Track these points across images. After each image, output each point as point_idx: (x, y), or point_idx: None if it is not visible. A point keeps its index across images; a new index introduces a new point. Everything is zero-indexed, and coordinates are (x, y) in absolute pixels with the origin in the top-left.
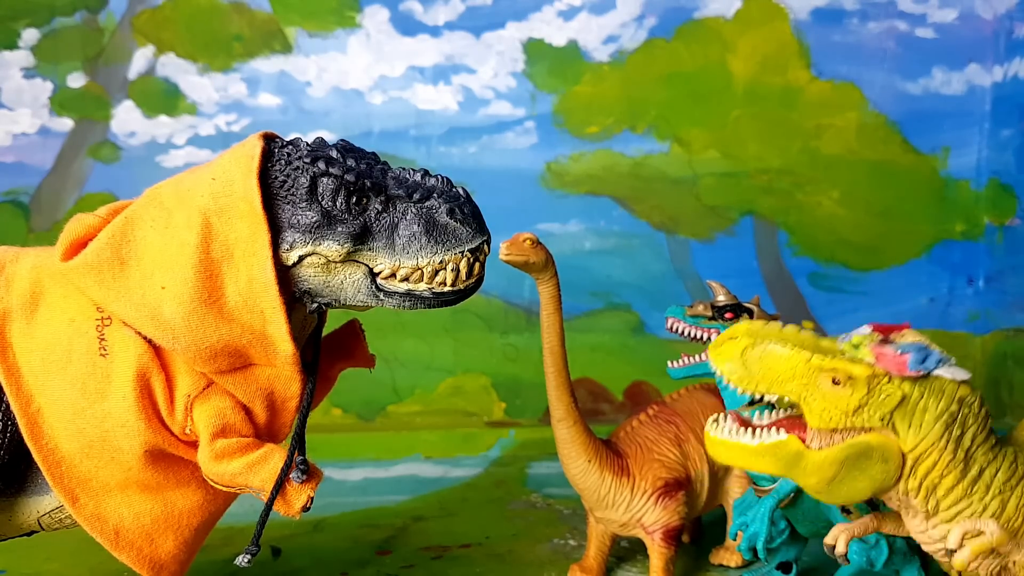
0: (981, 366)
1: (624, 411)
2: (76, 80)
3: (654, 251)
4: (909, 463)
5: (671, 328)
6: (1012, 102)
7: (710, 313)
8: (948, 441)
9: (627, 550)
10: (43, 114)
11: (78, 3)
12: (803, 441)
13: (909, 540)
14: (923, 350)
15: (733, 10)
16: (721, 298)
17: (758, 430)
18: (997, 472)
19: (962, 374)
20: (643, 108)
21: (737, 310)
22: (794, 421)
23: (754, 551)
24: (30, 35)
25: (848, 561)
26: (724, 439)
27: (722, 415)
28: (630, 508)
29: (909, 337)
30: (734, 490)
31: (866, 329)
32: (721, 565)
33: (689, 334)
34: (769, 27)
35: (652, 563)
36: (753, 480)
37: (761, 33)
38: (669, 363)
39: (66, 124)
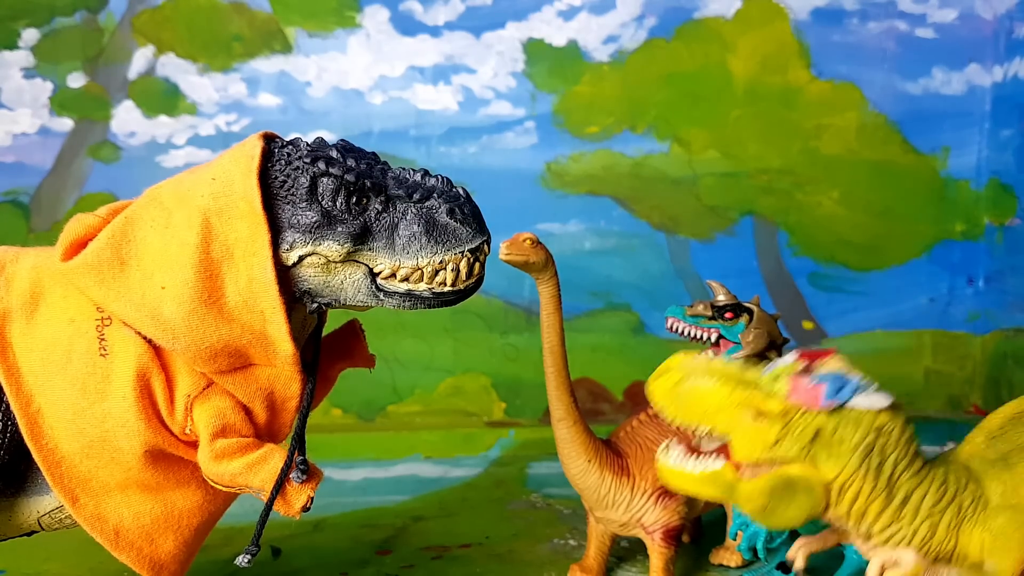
0: (981, 366)
1: (624, 411)
2: (76, 80)
3: (654, 251)
4: (834, 492)
5: (671, 328)
6: (1012, 102)
7: (710, 313)
8: (867, 470)
9: (627, 550)
10: (43, 114)
11: (78, 3)
12: (737, 469)
13: None
14: (839, 379)
15: (733, 10)
16: (721, 298)
17: (701, 457)
18: (924, 496)
19: (881, 401)
20: (643, 108)
21: (737, 310)
22: None
23: (754, 551)
24: (30, 35)
25: (807, 575)
26: (671, 467)
27: (673, 441)
28: (630, 508)
29: (830, 365)
30: None
31: (791, 357)
32: (721, 565)
33: (689, 334)
34: (769, 27)
35: (652, 563)
36: None
37: (761, 33)
38: None
39: (66, 124)
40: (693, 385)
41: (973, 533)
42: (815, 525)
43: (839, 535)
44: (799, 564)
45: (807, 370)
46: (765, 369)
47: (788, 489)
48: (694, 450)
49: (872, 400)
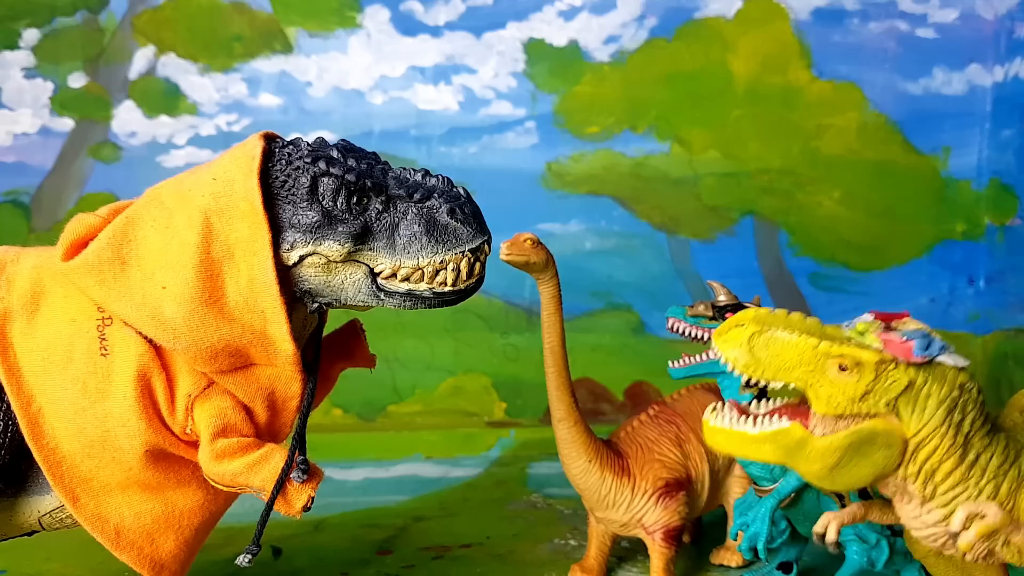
0: (982, 366)
1: (625, 411)
2: (77, 80)
3: (655, 251)
4: (911, 448)
5: (672, 328)
6: (1013, 102)
7: (711, 313)
8: (949, 426)
9: (628, 550)
10: (44, 114)
11: (79, 3)
12: (806, 427)
13: None
14: (926, 337)
15: (734, 10)
16: (722, 298)
17: (759, 418)
18: (992, 457)
19: (963, 361)
20: (644, 108)
21: (738, 310)
22: (795, 409)
23: (755, 551)
24: (31, 35)
25: (839, 548)
26: (724, 427)
27: (720, 404)
28: (631, 508)
29: (911, 324)
30: (735, 490)
31: (868, 317)
32: (722, 565)
33: (690, 334)
34: (770, 27)
35: (653, 563)
36: (754, 480)
37: (762, 33)
38: (670, 363)
39: (67, 124)
40: (772, 337)
41: None
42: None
43: (867, 509)
44: (831, 536)
45: (889, 328)
46: (845, 325)
47: (867, 444)
48: (744, 411)
49: (956, 359)
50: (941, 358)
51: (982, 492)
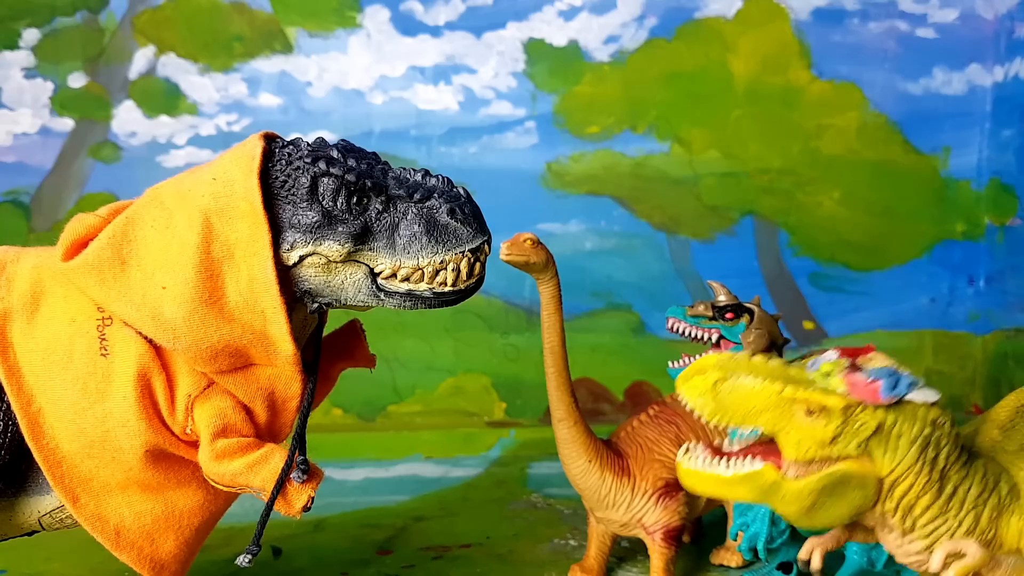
0: (982, 366)
1: (625, 411)
2: (77, 80)
3: (655, 251)
4: (886, 487)
5: (672, 328)
6: (1013, 102)
7: (711, 313)
8: (923, 464)
9: (628, 550)
10: (44, 114)
11: (79, 3)
12: (779, 468)
13: None
14: (893, 375)
15: (734, 10)
16: (722, 298)
17: (733, 459)
18: (970, 488)
19: (932, 395)
20: (644, 108)
21: (738, 310)
22: (768, 449)
23: (755, 551)
24: (31, 35)
25: (822, 575)
26: (697, 470)
27: (693, 443)
28: (631, 508)
29: (877, 361)
30: None
31: (833, 355)
32: (722, 565)
33: (690, 334)
34: (770, 27)
35: (653, 563)
36: None
37: (762, 33)
38: (670, 363)
39: (67, 124)
40: (736, 384)
41: (1011, 522)
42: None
43: (851, 532)
44: (816, 564)
45: (854, 366)
46: (807, 366)
47: (841, 485)
48: (717, 452)
49: (926, 395)
50: (910, 396)
51: (962, 524)
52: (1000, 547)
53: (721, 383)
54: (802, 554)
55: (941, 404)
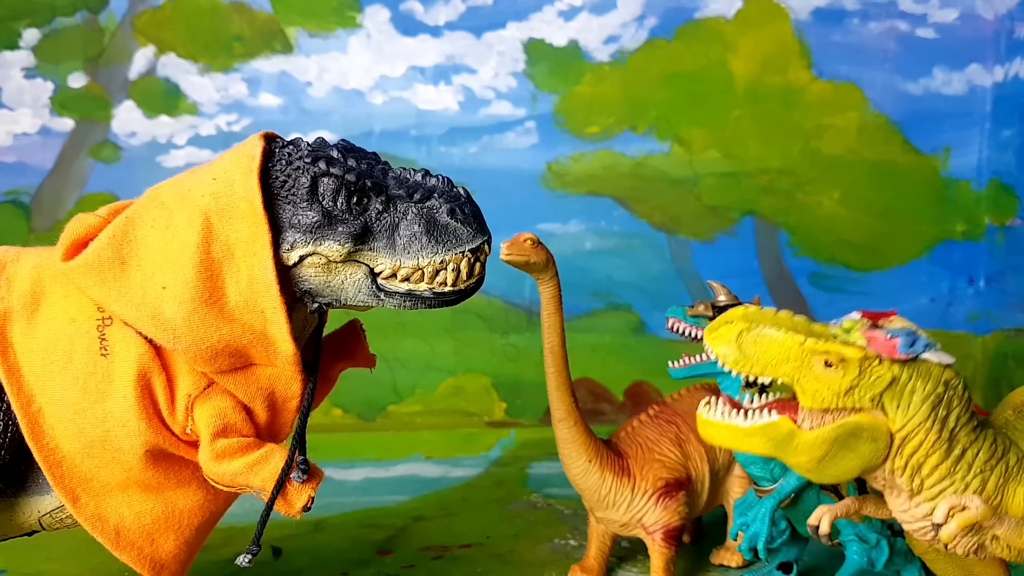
0: (982, 366)
1: (625, 411)
2: (77, 80)
3: (655, 251)
4: (896, 442)
5: (672, 328)
6: (1013, 102)
7: (711, 313)
8: (934, 421)
9: (628, 550)
10: (44, 114)
11: (79, 3)
12: (794, 422)
13: None
14: (911, 335)
15: (734, 10)
16: (722, 298)
17: (750, 412)
18: (979, 452)
19: (947, 358)
20: (644, 108)
21: None
22: (785, 404)
23: (755, 551)
24: (31, 35)
25: (832, 540)
26: (716, 420)
27: (714, 398)
28: (631, 508)
29: (897, 323)
30: (735, 490)
31: (856, 315)
32: (722, 565)
33: (690, 334)
34: (770, 27)
35: (653, 563)
36: (754, 480)
37: (762, 33)
38: (670, 363)
39: (67, 124)
40: (760, 333)
41: (1017, 491)
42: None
43: (861, 503)
44: (824, 528)
45: (875, 325)
46: (832, 323)
47: (853, 437)
48: (736, 405)
49: (941, 356)
50: (926, 355)
51: (968, 486)
52: (1005, 513)
53: (746, 333)
54: (811, 519)
55: (955, 368)
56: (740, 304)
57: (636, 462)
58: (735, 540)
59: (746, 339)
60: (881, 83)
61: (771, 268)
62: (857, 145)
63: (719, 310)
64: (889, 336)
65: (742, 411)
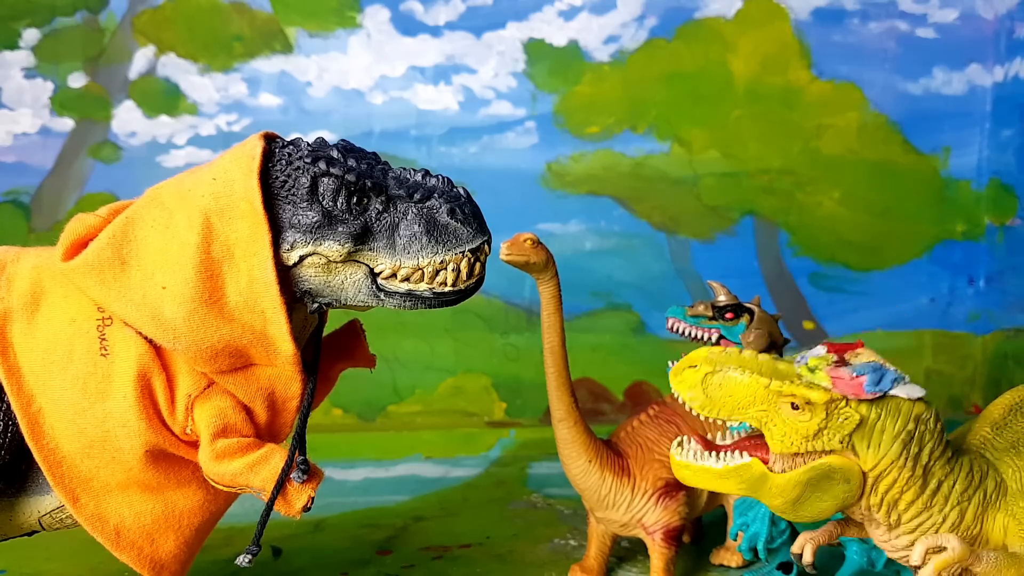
0: (981, 366)
1: (625, 411)
2: (77, 80)
3: (655, 251)
4: (870, 481)
5: (672, 328)
6: (1013, 102)
7: (711, 313)
8: (907, 459)
9: (628, 550)
10: (44, 114)
11: (79, 3)
12: (766, 463)
13: None
14: (878, 370)
15: (734, 10)
16: (722, 298)
17: (722, 453)
18: (955, 484)
19: (917, 391)
20: (644, 108)
21: (738, 310)
22: (756, 443)
23: (755, 551)
24: (31, 35)
25: (815, 569)
26: (689, 463)
27: (686, 438)
28: (631, 508)
29: (864, 357)
30: None
31: (821, 350)
32: (722, 565)
33: (690, 334)
34: (770, 27)
35: (653, 563)
36: None
37: (762, 33)
38: (670, 363)
39: (67, 124)
40: (725, 377)
41: (996, 518)
42: (818, 524)
43: (843, 527)
44: (807, 558)
45: (841, 362)
46: (796, 361)
47: (825, 479)
48: (710, 446)
49: (910, 390)
50: (894, 391)
51: (947, 519)
52: (985, 543)
53: (711, 377)
54: (795, 548)
55: (926, 401)
56: (740, 304)
57: (636, 462)
58: (735, 540)
59: (711, 383)
60: (881, 83)
61: (771, 268)
62: (857, 145)
63: (719, 310)
64: (855, 375)
65: (714, 453)
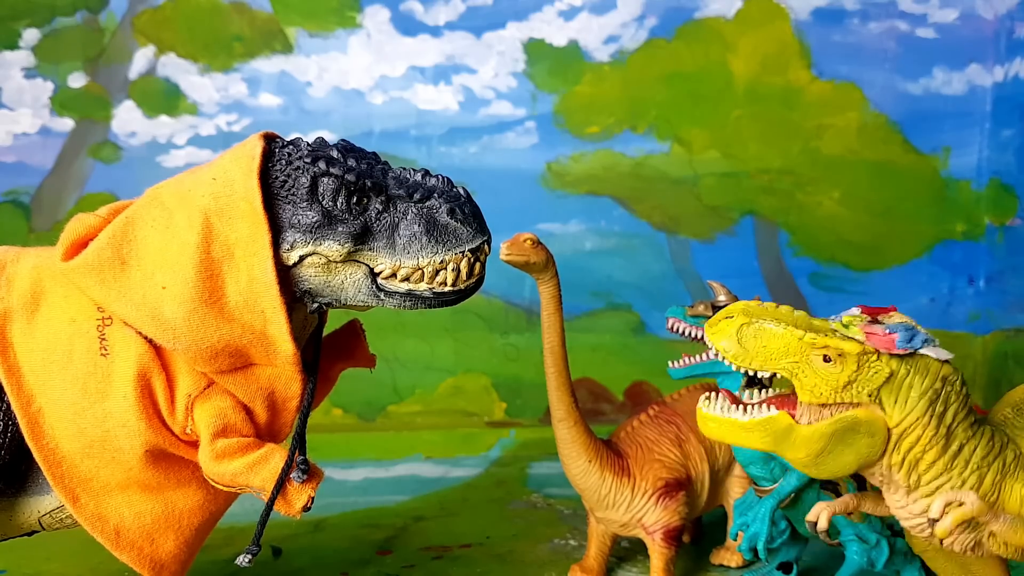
0: (982, 366)
1: (625, 411)
2: (77, 80)
3: (655, 251)
4: (894, 438)
5: (672, 328)
6: (1013, 102)
7: (711, 313)
8: (931, 417)
9: (628, 550)
10: (44, 114)
11: (79, 3)
12: (793, 417)
13: None
14: (910, 330)
15: (734, 10)
16: (722, 298)
17: (749, 407)
18: (976, 448)
19: (945, 354)
20: (644, 108)
21: None
22: (784, 399)
23: (755, 551)
24: (31, 35)
25: (829, 537)
26: (715, 415)
27: (714, 393)
28: (631, 508)
29: (896, 318)
30: (735, 490)
31: (855, 310)
32: (722, 565)
33: (690, 334)
34: (770, 27)
35: (653, 563)
36: (754, 480)
37: (762, 33)
38: (670, 363)
39: (67, 124)
40: (760, 328)
41: (1014, 488)
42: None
43: (860, 500)
44: (822, 524)
45: (875, 321)
46: (832, 318)
47: (851, 432)
48: (736, 400)
49: (939, 352)
50: (924, 351)
51: (965, 482)
52: (1001, 511)
53: (746, 327)
54: (810, 515)
55: (953, 364)
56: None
57: (636, 462)
58: (735, 540)
59: (746, 333)
60: (881, 83)
61: (771, 268)
62: (857, 145)
63: (719, 310)
64: (887, 331)
65: (741, 406)
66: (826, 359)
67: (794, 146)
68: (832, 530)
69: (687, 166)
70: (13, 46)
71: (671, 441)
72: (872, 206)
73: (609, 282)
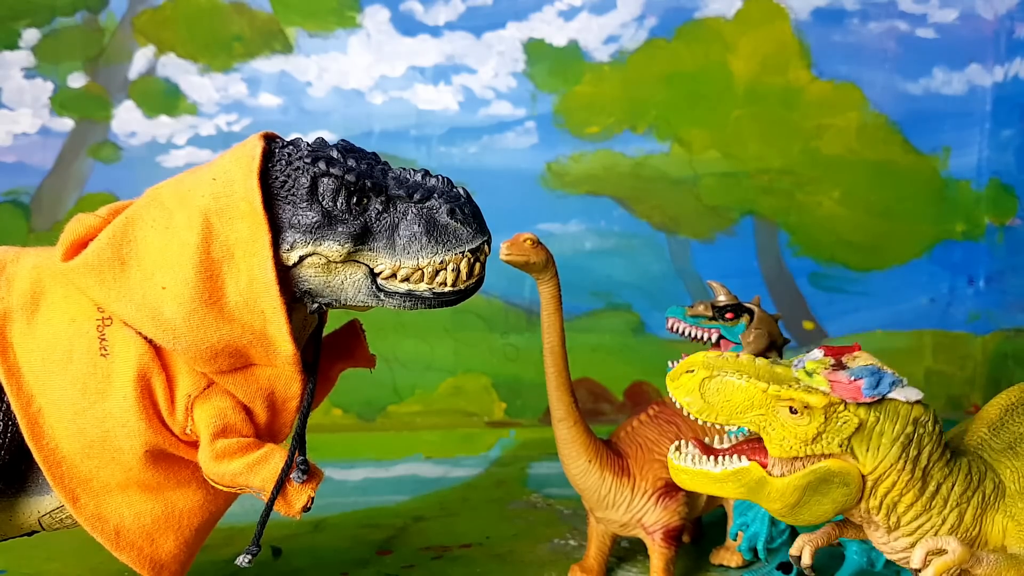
0: (981, 366)
1: (624, 411)
2: (77, 80)
3: (654, 251)
4: (869, 484)
5: (672, 328)
6: (1013, 102)
7: (711, 313)
8: (905, 462)
9: (627, 550)
10: (44, 114)
11: (79, 3)
12: (764, 467)
13: None
14: (875, 374)
15: (734, 10)
16: (722, 298)
17: (721, 457)
18: (954, 486)
19: (915, 394)
20: (644, 108)
21: (738, 310)
22: (755, 446)
23: (754, 551)
24: (31, 35)
25: (814, 572)
26: (687, 467)
27: (683, 442)
28: (630, 508)
29: (861, 360)
30: None
31: (818, 354)
32: (721, 565)
33: (690, 334)
34: (770, 27)
35: (652, 563)
36: None
37: (762, 33)
38: (670, 363)
39: (67, 124)
40: (722, 382)
41: (995, 520)
42: (818, 524)
43: (841, 529)
44: (806, 560)
45: (839, 365)
46: (793, 365)
47: (824, 483)
48: (708, 450)
49: (908, 393)
50: (892, 394)
51: (946, 521)
52: (984, 544)
53: (708, 381)
54: (793, 551)
55: (924, 403)
56: (740, 304)
57: (636, 462)
58: (735, 540)
59: (709, 387)
60: (881, 83)
61: (771, 268)
62: (857, 145)
63: (719, 310)
64: (852, 379)
65: (712, 457)
66: (792, 411)
67: (794, 146)
68: None
69: (687, 166)
70: (13, 46)
71: (671, 441)
72: (872, 206)
73: (609, 282)
